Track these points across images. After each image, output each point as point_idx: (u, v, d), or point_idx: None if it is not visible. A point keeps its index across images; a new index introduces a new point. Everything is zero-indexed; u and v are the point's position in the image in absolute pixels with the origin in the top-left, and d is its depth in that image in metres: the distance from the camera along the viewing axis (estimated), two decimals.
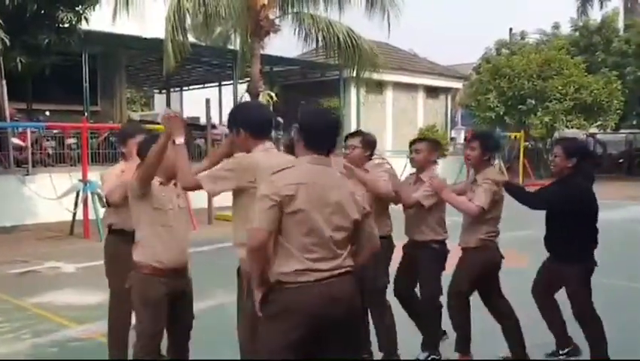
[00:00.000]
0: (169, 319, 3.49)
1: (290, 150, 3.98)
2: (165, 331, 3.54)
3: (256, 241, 2.59)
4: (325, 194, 2.66)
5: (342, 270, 2.68)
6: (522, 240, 9.90)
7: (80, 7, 9.53)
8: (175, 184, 3.52)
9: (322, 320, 2.59)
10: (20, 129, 12.52)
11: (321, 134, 2.80)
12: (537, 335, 4.52)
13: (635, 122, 26.09)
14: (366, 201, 2.83)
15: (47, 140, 13.16)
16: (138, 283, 3.46)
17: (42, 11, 9.14)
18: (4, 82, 12.15)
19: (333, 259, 2.66)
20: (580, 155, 4.27)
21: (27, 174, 12.01)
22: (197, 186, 3.09)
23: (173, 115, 3.19)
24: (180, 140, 3.16)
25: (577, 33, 27.14)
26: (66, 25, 9.57)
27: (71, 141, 13.30)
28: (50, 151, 13.10)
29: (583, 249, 4.25)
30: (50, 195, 10.88)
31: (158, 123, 16.87)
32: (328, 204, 2.65)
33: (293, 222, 2.60)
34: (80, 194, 10.76)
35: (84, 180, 10.76)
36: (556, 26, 28.55)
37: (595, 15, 28.58)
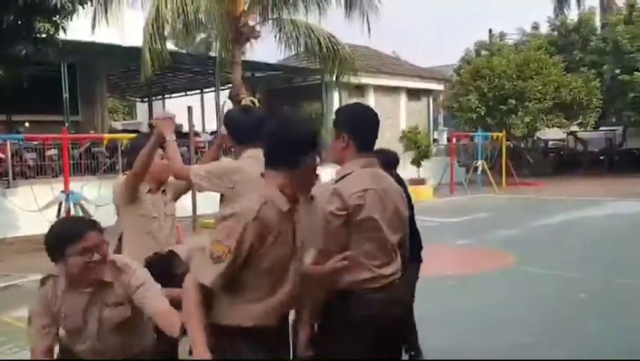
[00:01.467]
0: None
1: None
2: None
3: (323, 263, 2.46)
4: (385, 197, 2.58)
5: (400, 273, 2.66)
6: (508, 240, 9.99)
7: (57, 17, 9.44)
8: (163, 191, 3.51)
9: (391, 323, 2.58)
10: (0, 141, 12.37)
11: (371, 132, 2.68)
12: (523, 335, 4.56)
13: (614, 120, 26.44)
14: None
15: (28, 151, 13.03)
16: None
17: (19, 22, 9.04)
18: None
19: (393, 262, 2.62)
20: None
21: (8, 187, 11.88)
22: (187, 177, 3.08)
23: (169, 117, 3.19)
24: (171, 136, 3.16)
25: (555, 32, 27.44)
26: (44, 36, 9.47)
27: (52, 152, 13.17)
28: (31, 163, 12.96)
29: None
30: (31, 208, 10.76)
31: (140, 132, 16.80)
32: (388, 208, 2.58)
33: (360, 230, 2.50)
34: (63, 205, 10.65)
35: (66, 192, 10.65)
36: (536, 26, 28.86)
37: (573, 14, 28.93)
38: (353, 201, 2.48)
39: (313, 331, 2.56)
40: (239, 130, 3.16)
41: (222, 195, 3.09)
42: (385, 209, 2.56)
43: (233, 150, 3.28)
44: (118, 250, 3.91)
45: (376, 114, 2.76)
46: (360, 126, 2.66)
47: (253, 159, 3.04)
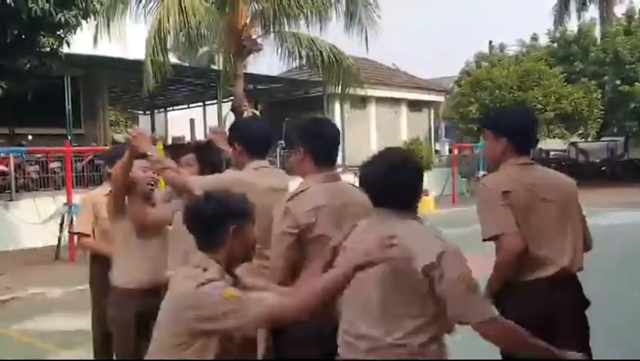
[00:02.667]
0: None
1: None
2: None
3: (277, 281, 2.46)
4: (342, 212, 2.53)
5: None
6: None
7: (61, 31, 9.51)
8: (153, 204, 3.52)
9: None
10: (2, 154, 12.42)
11: (330, 146, 2.65)
12: None
13: (615, 130, 26.45)
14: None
15: (31, 164, 13.06)
16: (110, 307, 3.51)
17: (23, 36, 9.11)
18: None
19: None
20: None
21: (11, 200, 11.90)
22: (185, 187, 2.92)
23: (135, 133, 3.12)
24: (151, 151, 3.06)
25: (555, 44, 27.54)
26: (47, 50, 9.54)
27: (54, 164, 13.21)
28: (34, 175, 12.99)
29: None
30: (34, 220, 10.80)
31: None
32: (345, 223, 2.45)
33: (314, 246, 2.47)
34: (66, 218, 10.67)
35: (69, 204, 10.68)
36: (535, 38, 28.97)
37: (572, 26, 29.06)
38: (304, 219, 2.46)
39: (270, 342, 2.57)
40: (253, 140, 3.07)
41: None
42: (340, 225, 2.46)
43: (233, 159, 3.21)
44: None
45: (334, 127, 2.72)
46: (315, 140, 2.62)
47: (258, 170, 3.03)
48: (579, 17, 30.09)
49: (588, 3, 31.87)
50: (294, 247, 2.48)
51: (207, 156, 3.38)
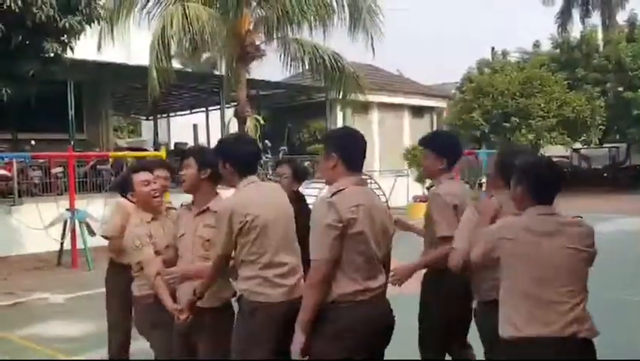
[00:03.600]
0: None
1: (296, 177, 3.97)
2: None
3: (321, 274, 2.60)
4: (374, 214, 2.73)
5: (384, 287, 2.82)
6: None
7: (65, 36, 9.55)
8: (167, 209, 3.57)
9: (379, 334, 2.70)
10: (5, 159, 12.44)
11: (360, 154, 2.85)
12: None
13: (617, 137, 26.45)
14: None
15: (33, 169, 13.08)
16: (141, 314, 3.57)
17: (27, 42, 9.15)
18: None
19: (378, 276, 2.76)
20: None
21: (13, 205, 11.91)
22: (220, 263, 3.11)
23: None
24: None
25: (558, 50, 27.56)
26: (51, 55, 9.58)
27: (57, 170, 13.23)
28: (37, 181, 13.00)
29: None
30: (37, 225, 10.79)
31: (145, 150, 16.88)
32: (376, 224, 2.73)
33: (352, 243, 2.63)
34: (68, 223, 10.68)
35: (72, 210, 10.68)
36: (537, 45, 29.00)
37: (576, 32, 29.08)
38: (348, 214, 2.61)
39: (307, 337, 2.66)
40: (243, 160, 3.19)
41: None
42: (374, 225, 2.71)
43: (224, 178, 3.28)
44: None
45: (364, 137, 2.93)
46: (349, 148, 2.83)
47: (251, 185, 3.15)
48: (583, 23, 30.07)
49: (591, 10, 31.88)
50: (338, 240, 2.61)
51: (205, 158, 3.40)
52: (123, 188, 3.92)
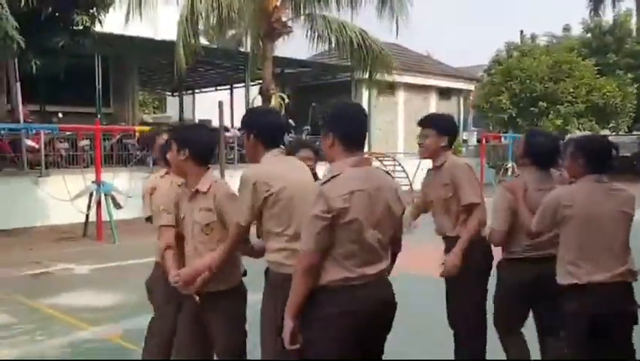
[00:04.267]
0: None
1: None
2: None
3: (307, 264, 2.53)
4: (375, 197, 2.58)
5: (385, 272, 2.68)
6: None
7: (94, 9, 9.57)
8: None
9: (373, 321, 2.58)
10: (34, 131, 12.58)
11: (358, 131, 2.69)
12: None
13: None
14: (405, 197, 2.77)
15: (60, 141, 13.22)
16: (159, 282, 3.52)
17: (57, 14, 9.18)
18: (18, 84, 12.22)
19: (378, 262, 2.63)
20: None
21: (40, 176, 12.06)
22: (239, 232, 3.05)
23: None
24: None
25: (589, 34, 26.96)
26: (80, 28, 9.60)
27: (84, 142, 13.35)
28: (63, 153, 13.15)
29: None
30: (63, 197, 10.93)
31: (172, 126, 16.95)
32: (377, 207, 2.58)
33: (345, 231, 2.52)
34: (94, 196, 10.79)
35: (98, 182, 10.79)
36: (567, 28, 28.40)
37: (608, 16, 28.37)
38: (338, 204, 2.48)
39: (297, 324, 2.59)
40: (267, 132, 3.13)
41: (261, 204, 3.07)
42: (374, 210, 2.57)
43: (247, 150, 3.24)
44: None
45: (362, 110, 2.79)
46: (344, 125, 2.66)
47: (275, 157, 3.11)
48: (614, 7, 29.31)
49: None
50: (326, 230, 2.50)
51: (182, 137, 3.33)
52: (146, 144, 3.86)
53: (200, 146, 3.23)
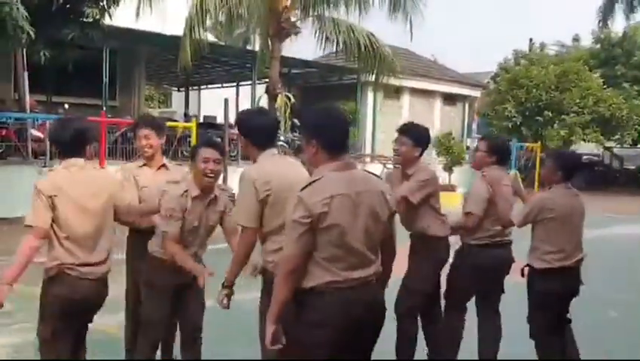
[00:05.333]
0: (178, 312, 3.66)
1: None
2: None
3: (289, 269, 2.53)
4: (357, 201, 2.56)
5: (373, 276, 2.65)
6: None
7: (104, 2, 9.62)
8: (214, 199, 3.55)
9: (359, 325, 2.57)
10: (39, 121, 12.63)
11: (338, 134, 2.67)
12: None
13: None
14: (393, 200, 2.75)
15: None
16: (146, 269, 3.65)
17: (67, 5, 9.23)
18: (26, 74, 12.27)
19: (365, 266, 2.62)
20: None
21: (44, 166, 12.10)
22: (249, 235, 3.12)
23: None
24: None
25: (598, 45, 26.93)
26: (90, 20, 9.65)
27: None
28: None
29: None
30: None
31: (176, 121, 17.01)
32: (360, 211, 2.56)
33: (326, 235, 2.52)
34: None
35: None
36: (576, 38, 28.39)
37: (619, 27, 28.31)
38: (317, 209, 2.47)
39: (278, 326, 2.60)
40: (259, 133, 3.21)
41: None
42: (356, 214, 2.54)
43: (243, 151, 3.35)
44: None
45: (342, 115, 2.83)
46: (325, 130, 2.65)
47: (270, 157, 3.17)
48: (627, 19, 29.22)
49: (637, 5, 30.96)
50: (306, 235, 2.50)
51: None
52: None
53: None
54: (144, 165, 3.94)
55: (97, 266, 3.22)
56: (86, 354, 3.51)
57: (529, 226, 4.11)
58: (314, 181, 2.55)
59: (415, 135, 4.09)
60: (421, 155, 4.12)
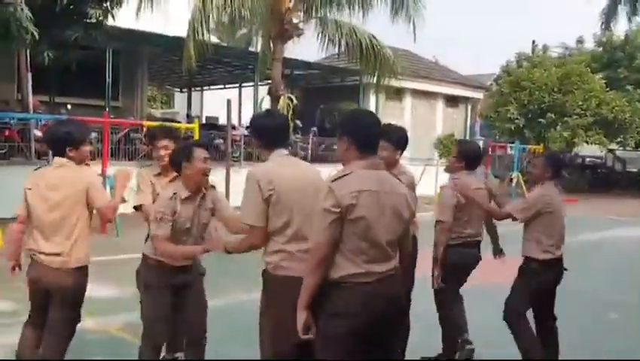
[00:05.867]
0: (180, 314, 3.69)
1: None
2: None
3: (318, 257, 2.66)
4: (383, 198, 2.72)
5: (393, 271, 2.79)
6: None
7: (107, 3, 9.64)
8: (203, 197, 3.61)
9: (379, 318, 2.70)
10: (43, 121, 12.67)
11: (372, 136, 2.84)
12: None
13: None
14: (414, 203, 2.95)
15: None
16: (143, 271, 3.70)
17: (71, 6, 9.25)
18: (29, 75, 12.31)
19: (386, 261, 2.76)
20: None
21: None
22: (253, 233, 3.11)
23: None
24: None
25: (600, 48, 26.91)
26: (93, 21, 9.67)
27: (91, 135, 13.41)
28: None
29: None
30: None
31: (179, 122, 17.05)
32: (386, 209, 2.72)
33: (353, 227, 2.66)
34: None
35: (104, 175, 10.85)
36: (580, 41, 28.37)
37: (621, 31, 28.27)
38: (346, 200, 2.63)
39: (309, 314, 2.70)
40: (270, 135, 3.25)
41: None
42: (382, 210, 2.70)
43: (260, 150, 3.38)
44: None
45: (376, 117, 2.98)
46: (359, 130, 2.82)
47: (280, 158, 3.19)
48: (629, 21, 29.18)
49: (639, 8, 30.93)
50: (335, 224, 2.64)
51: None
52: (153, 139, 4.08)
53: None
54: (159, 174, 3.96)
55: (54, 256, 3.49)
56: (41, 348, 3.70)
57: (517, 225, 4.45)
58: (344, 175, 2.72)
59: (394, 138, 4.15)
60: (400, 156, 4.21)
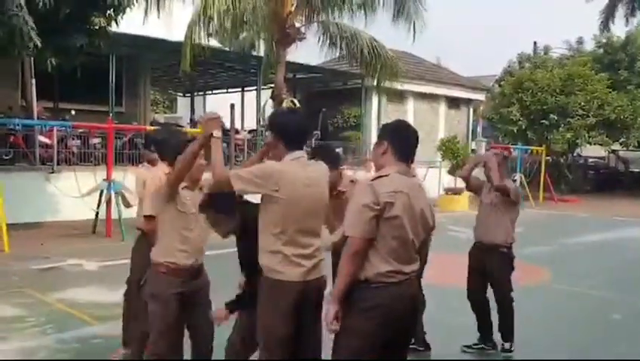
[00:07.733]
0: (187, 321, 3.67)
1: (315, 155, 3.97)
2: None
3: (353, 250, 2.76)
4: (414, 203, 2.86)
5: (415, 273, 2.94)
6: (542, 256, 9.88)
7: (111, 10, 9.69)
8: (200, 189, 3.62)
9: (405, 316, 2.85)
10: (47, 127, 12.75)
11: (410, 146, 3.01)
12: (551, 353, 4.53)
13: None
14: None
15: (73, 139, 13.38)
16: (150, 279, 3.64)
17: (74, 13, 9.29)
18: (33, 81, 12.37)
19: (412, 262, 2.90)
20: None
21: (52, 172, 12.23)
22: (227, 181, 2.99)
23: (216, 117, 3.22)
24: (218, 133, 3.15)
25: (601, 50, 26.90)
26: (97, 28, 9.73)
27: (95, 140, 13.50)
28: (75, 150, 13.31)
29: None
30: (73, 193, 11.06)
31: (182, 126, 17.10)
32: (415, 213, 2.87)
33: (388, 226, 2.78)
34: (104, 193, 10.92)
35: (109, 180, 10.92)
36: (580, 41, 28.36)
37: (620, 32, 28.29)
38: (385, 198, 2.76)
39: (340, 308, 2.79)
40: (290, 132, 3.16)
41: (262, 196, 3.09)
42: (412, 213, 2.84)
43: (270, 150, 3.30)
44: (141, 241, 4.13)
45: (416, 132, 3.12)
46: (400, 138, 3.00)
47: (295, 160, 3.10)
48: (627, 23, 29.21)
49: (637, 8, 30.95)
50: (373, 220, 2.75)
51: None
52: (160, 144, 4.04)
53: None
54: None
55: None
56: None
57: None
58: (382, 176, 2.86)
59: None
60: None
